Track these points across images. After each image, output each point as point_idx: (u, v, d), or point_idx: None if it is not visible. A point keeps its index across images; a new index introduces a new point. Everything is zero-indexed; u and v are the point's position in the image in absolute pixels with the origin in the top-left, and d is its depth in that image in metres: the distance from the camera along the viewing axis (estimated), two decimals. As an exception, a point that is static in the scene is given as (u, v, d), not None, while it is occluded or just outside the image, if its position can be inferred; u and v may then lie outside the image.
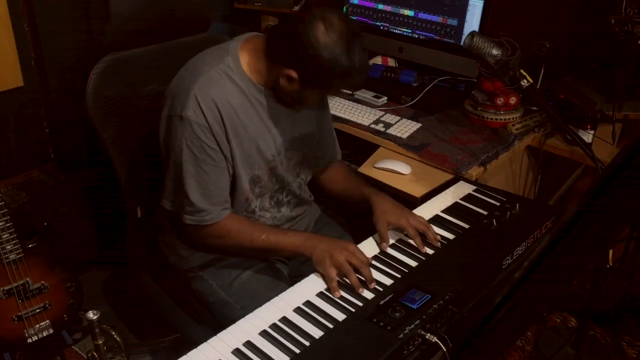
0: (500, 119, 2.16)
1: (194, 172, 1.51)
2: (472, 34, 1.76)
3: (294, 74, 1.45)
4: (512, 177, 2.25)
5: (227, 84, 1.51)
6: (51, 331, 2.08)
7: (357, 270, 1.42)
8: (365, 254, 1.49)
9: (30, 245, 1.97)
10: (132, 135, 1.77)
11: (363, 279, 1.42)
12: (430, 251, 1.54)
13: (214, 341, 1.25)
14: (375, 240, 1.59)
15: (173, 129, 1.50)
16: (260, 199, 1.66)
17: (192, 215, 1.54)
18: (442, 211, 1.72)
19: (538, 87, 2.26)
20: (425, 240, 1.56)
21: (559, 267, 1.02)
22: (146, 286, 1.81)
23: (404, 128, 2.14)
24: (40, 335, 2.06)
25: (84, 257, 2.53)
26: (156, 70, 1.78)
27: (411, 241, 1.56)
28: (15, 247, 1.93)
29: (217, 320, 1.59)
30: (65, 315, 2.11)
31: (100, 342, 1.24)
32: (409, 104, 2.29)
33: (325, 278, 1.43)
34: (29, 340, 2.04)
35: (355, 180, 1.79)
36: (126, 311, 2.36)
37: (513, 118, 2.16)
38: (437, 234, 1.58)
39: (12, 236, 1.92)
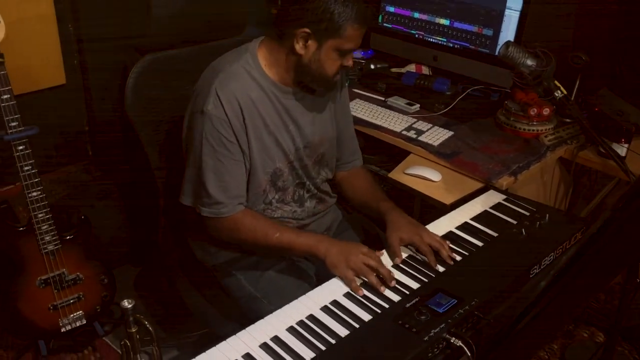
0: (533, 130, 2.16)
1: (213, 165, 1.56)
2: (507, 43, 1.76)
3: (306, 30, 1.50)
4: (543, 188, 2.25)
5: (246, 79, 1.57)
6: (84, 322, 2.14)
7: (375, 271, 1.44)
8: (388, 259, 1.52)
9: (68, 237, 2.03)
10: (168, 135, 1.81)
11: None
12: (458, 257, 1.55)
13: (242, 335, 1.28)
14: (388, 254, 1.58)
15: (194, 124, 1.56)
16: (282, 192, 1.70)
17: (209, 208, 1.59)
18: (472, 219, 1.72)
19: (572, 99, 2.26)
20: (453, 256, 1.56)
21: (585, 277, 1.03)
22: (176, 281, 1.85)
23: (436, 135, 2.15)
24: (73, 325, 2.12)
25: (116, 251, 2.59)
26: (192, 71, 1.82)
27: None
28: (54, 238, 1.99)
29: (244, 315, 1.62)
30: (97, 307, 2.16)
31: (134, 330, 1.28)
32: (441, 112, 2.31)
33: (344, 281, 1.45)
34: (63, 330, 2.11)
35: (375, 192, 1.79)
36: (156, 305, 2.41)
37: (546, 129, 2.16)
38: (453, 252, 1.58)
39: (51, 228, 1.98)
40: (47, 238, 1.99)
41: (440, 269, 1.51)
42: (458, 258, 1.55)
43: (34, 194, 1.93)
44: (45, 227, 1.97)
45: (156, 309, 2.40)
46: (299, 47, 1.53)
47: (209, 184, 1.57)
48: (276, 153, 1.64)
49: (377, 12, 2.57)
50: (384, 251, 1.58)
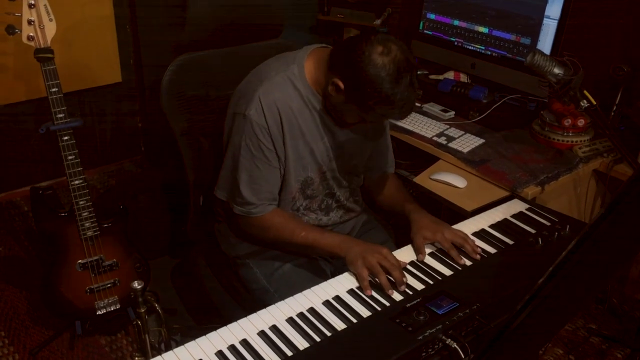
0: (567, 141, 2.12)
1: (249, 168, 1.62)
2: (534, 51, 1.75)
3: (340, 84, 1.52)
4: (577, 201, 2.20)
5: (289, 89, 1.60)
6: (118, 306, 2.25)
7: (387, 273, 1.46)
8: (402, 260, 1.53)
9: (106, 225, 2.15)
10: (201, 131, 1.89)
11: (393, 280, 1.45)
12: (468, 262, 1.55)
13: (243, 322, 1.34)
14: (413, 250, 1.61)
15: (236, 125, 1.62)
16: (310, 200, 1.74)
17: (241, 207, 1.66)
18: (490, 226, 1.71)
19: (614, 111, 2.20)
20: (465, 254, 1.57)
21: (580, 272, 1.02)
22: (201, 271, 1.93)
23: (466, 143, 2.15)
24: (108, 309, 2.23)
25: (156, 242, 2.70)
26: (227, 71, 1.90)
27: (451, 253, 1.58)
28: (93, 224, 2.11)
29: (257, 307, 1.67)
30: (132, 293, 2.26)
31: (143, 310, 1.35)
32: (475, 119, 2.30)
33: (357, 278, 1.48)
34: (98, 312, 2.22)
35: (401, 196, 1.82)
36: (189, 296, 2.50)
37: (581, 141, 2.12)
38: (478, 246, 1.59)
39: (91, 215, 2.10)
40: (87, 224, 2.10)
41: (448, 272, 1.52)
42: (468, 263, 1.55)
43: (76, 182, 2.04)
44: (86, 214, 2.09)
45: (189, 300, 2.49)
46: (330, 89, 1.55)
47: (242, 185, 1.63)
48: (309, 162, 1.68)
49: (419, 19, 2.59)
50: (409, 246, 1.62)
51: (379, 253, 1.49)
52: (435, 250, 1.60)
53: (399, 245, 1.68)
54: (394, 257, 1.50)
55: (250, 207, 1.65)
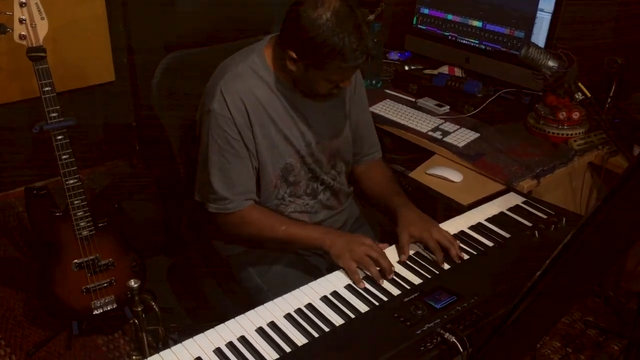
0: (562, 134, 2.12)
1: (218, 162, 1.60)
2: (529, 44, 1.76)
3: (292, 54, 1.50)
4: (573, 194, 2.20)
5: (252, 78, 1.59)
6: (115, 306, 2.24)
7: (376, 263, 1.46)
8: (391, 259, 1.52)
9: (101, 224, 2.13)
10: (189, 130, 1.88)
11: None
12: (465, 255, 1.55)
13: (241, 319, 1.33)
14: (397, 250, 1.59)
15: (203, 123, 1.62)
16: (294, 187, 1.72)
17: (216, 204, 1.63)
18: (486, 219, 1.71)
19: (608, 103, 2.20)
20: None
21: (575, 266, 1.02)
22: (196, 270, 1.92)
23: (462, 137, 2.15)
24: (104, 309, 2.22)
25: (152, 241, 2.69)
26: (215, 69, 1.88)
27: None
28: (88, 224, 2.10)
29: (252, 305, 1.66)
30: (128, 293, 2.25)
31: (139, 309, 1.35)
32: (470, 113, 2.30)
33: (346, 271, 1.48)
34: (95, 312, 2.21)
35: (390, 186, 1.79)
36: (186, 295, 2.49)
37: (576, 134, 2.12)
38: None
39: (86, 214, 2.09)
40: (82, 224, 2.09)
41: (445, 266, 1.52)
42: (466, 257, 1.55)
43: (71, 181, 2.03)
44: (81, 213, 2.07)
45: (186, 298, 2.48)
46: (289, 64, 1.54)
47: (214, 180, 1.61)
48: (285, 149, 1.66)
49: (412, 14, 2.59)
50: (394, 246, 1.59)
51: (364, 244, 1.49)
52: (431, 245, 1.60)
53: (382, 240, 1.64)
54: (378, 246, 1.51)
55: (225, 202, 1.62)
